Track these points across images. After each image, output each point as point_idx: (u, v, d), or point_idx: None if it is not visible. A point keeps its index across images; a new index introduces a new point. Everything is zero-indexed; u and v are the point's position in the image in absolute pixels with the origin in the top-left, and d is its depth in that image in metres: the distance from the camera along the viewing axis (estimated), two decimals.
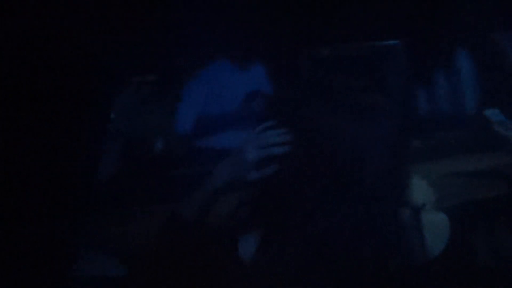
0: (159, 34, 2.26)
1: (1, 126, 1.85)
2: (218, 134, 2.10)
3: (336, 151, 1.12)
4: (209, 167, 1.44)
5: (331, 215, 1.10)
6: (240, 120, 2.11)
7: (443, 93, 3.11)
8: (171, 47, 2.39)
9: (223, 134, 2.07)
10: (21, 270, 1.79)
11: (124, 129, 2.25)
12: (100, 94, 2.07)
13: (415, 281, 1.20)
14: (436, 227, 1.30)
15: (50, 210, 1.83)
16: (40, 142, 1.91)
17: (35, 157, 1.88)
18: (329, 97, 1.18)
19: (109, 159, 2.16)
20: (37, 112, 1.93)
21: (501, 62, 3.01)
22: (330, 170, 1.11)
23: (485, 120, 2.31)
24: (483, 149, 2.79)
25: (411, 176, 1.26)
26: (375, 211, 1.12)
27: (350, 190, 1.10)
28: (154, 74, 2.50)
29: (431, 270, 1.23)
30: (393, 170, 1.17)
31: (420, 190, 1.47)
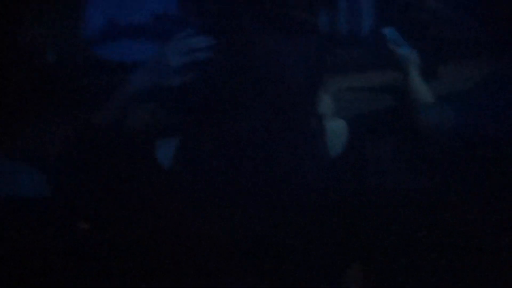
0: None
1: None
2: (129, 44, 2.03)
3: (260, 61, 1.16)
4: (118, 76, 1.42)
5: (249, 121, 1.15)
6: (157, 28, 2.04)
7: (341, 11, 3.26)
8: None
9: (135, 43, 2.01)
10: None
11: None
12: None
13: (318, 179, 1.33)
14: (336, 132, 1.43)
15: None
16: None
17: None
18: (258, 8, 1.20)
19: None
20: None
21: None
22: (250, 78, 1.15)
23: (381, 38, 2.47)
24: (377, 65, 3.02)
25: (320, 89, 1.37)
26: (290, 118, 1.20)
27: (268, 98, 1.16)
28: None
29: (332, 169, 1.38)
30: (310, 83, 1.24)
31: (323, 101, 1.59)
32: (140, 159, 1.25)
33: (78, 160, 1.32)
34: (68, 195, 1.31)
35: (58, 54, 2.17)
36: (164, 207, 1.20)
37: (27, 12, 2.13)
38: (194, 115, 1.19)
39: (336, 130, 1.45)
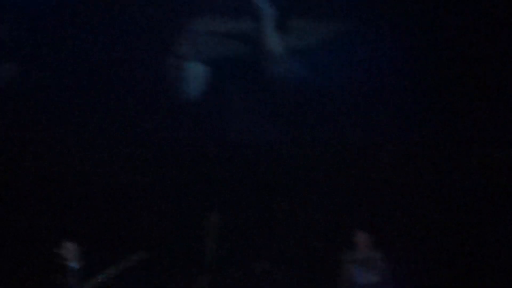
0: None
1: None
2: None
3: None
4: None
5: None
6: None
7: None
8: None
9: None
10: None
11: None
12: None
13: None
14: (194, 74, 1.51)
15: None
16: None
17: None
18: None
19: None
20: None
21: None
22: None
23: None
24: (235, 13, 3.47)
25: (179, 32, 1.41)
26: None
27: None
28: None
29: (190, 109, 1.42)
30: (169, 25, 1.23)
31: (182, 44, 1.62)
32: None
33: None
34: None
35: None
36: None
37: None
38: None
39: (195, 73, 1.47)
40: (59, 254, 5.22)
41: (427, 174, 6.52)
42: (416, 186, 6.51)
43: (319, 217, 6.65)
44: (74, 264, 5.24)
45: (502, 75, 6.33)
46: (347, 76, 6.24)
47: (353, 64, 6.25)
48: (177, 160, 6.60)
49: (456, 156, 6.45)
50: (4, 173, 6.52)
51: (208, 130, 6.27)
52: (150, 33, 5.79)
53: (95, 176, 6.61)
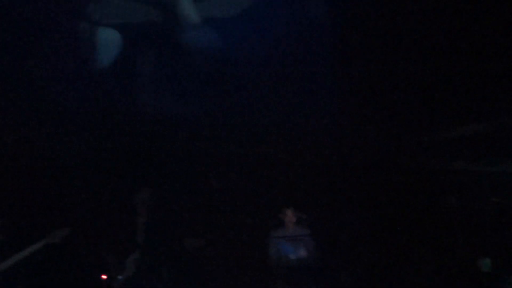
0: None
1: None
2: None
3: None
4: None
5: None
6: None
7: None
8: None
9: None
10: None
11: None
12: None
13: None
14: (106, 40, 1.48)
15: None
16: None
17: None
18: None
19: None
20: None
21: None
22: None
23: None
24: None
25: None
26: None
27: None
28: None
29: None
30: None
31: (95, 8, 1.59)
32: None
33: None
34: None
35: None
36: None
37: None
38: None
39: (107, 39, 1.46)
40: None
41: (353, 152, 6.59)
42: (343, 163, 6.58)
43: (248, 194, 6.70)
44: None
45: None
46: (268, 47, 5.98)
47: (274, 34, 5.96)
48: (88, 131, 6.40)
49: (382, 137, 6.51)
50: None
51: (121, 99, 6.07)
52: None
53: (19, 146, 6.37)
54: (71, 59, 5.54)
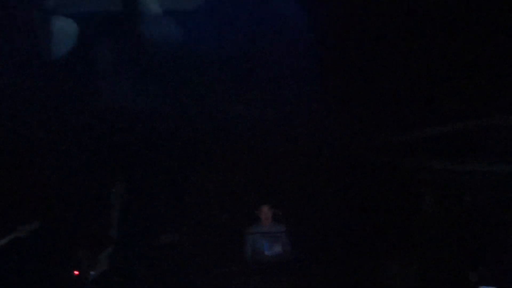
0: None
1: None
2: None
3: None
4: None
5: None
6: None
7: None
8: None
9: None
10: None
11: None
12: None
13: None
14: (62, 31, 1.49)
15: None
16: None
17: None
18: None
19: None
20: None
21: None
22: None
23: None
24: None
25: None
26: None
27: None
28: None
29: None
30: None
31: None
32: None
33: None
34: None
35: None
36: None
37: None
38: None
39: (63, 29, 1.43)
40: None
41: (328, 150, 6.59)
42: (320, 161, 6.60)
43: (224, 189, 6.66)
44: None
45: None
46: (232, 40, 5.83)
47: (239, 27, 5.77)
48: (45, 125, 6.13)
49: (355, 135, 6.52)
50: None
51: (77, 91, 5.82)
52: None
53: None
54: (26, 49, 5.30)
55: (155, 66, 5.92)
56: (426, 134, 6.77)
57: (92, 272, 5.88)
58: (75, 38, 5.27)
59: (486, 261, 5.84)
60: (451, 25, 5.98)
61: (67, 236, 6.26)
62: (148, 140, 6.53)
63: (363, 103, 6.52)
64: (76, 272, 5.94)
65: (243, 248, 6.16)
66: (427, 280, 6.21)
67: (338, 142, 6.80)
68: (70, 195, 6.42)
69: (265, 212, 6.12)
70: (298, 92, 6.30)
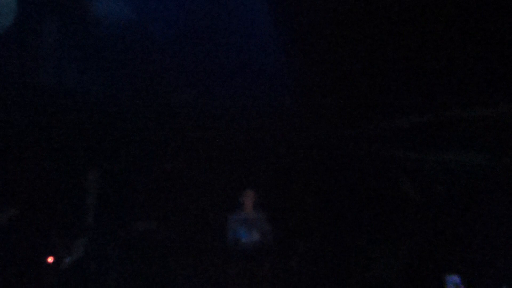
0: None
1: None
2: None
3: None
4: None
5: None
6: None
7: None
8: None
9: None
10: None
11: None
12: None
13: None
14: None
15: None
16: None
17: None
18: None
19: None
20: None
21: None
22: None
23: None
24: None
25: None
26: None
27: None
28: None
29: None
30: None
31: None
32: None
33: None
34: None
35: None
36: None
37: None
38: None
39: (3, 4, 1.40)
40: None
41: (306, 139, 6.59)
42: (300, 149, 6.60)
43: (204, 176, 6.60)
44: None
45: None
46: (186, 22, 5.57)
47: (194, 9, 5.51)
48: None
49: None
50: None
51: (17, 71, 5.51)
52: None
53: None
54: None
55: (102, 45, 5.62)
56: (397, 124, 6.85)
57: (67, 259, 5.78)
58: (16, 14, 4.89)
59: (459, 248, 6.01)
60: (424, 15, 6.02)
61: (42, 222, 6.11)
62: (118, 125, 6.34)
63: (337, 93, 6.51)
64: (50, 259, 5.82)
65: (222, 235, 6.12)
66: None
67: (314, 131, 6.82)
68: (45, 180, 6.26)
69: (247, 199, 6.09)
70: (267, 78, 6.17)
